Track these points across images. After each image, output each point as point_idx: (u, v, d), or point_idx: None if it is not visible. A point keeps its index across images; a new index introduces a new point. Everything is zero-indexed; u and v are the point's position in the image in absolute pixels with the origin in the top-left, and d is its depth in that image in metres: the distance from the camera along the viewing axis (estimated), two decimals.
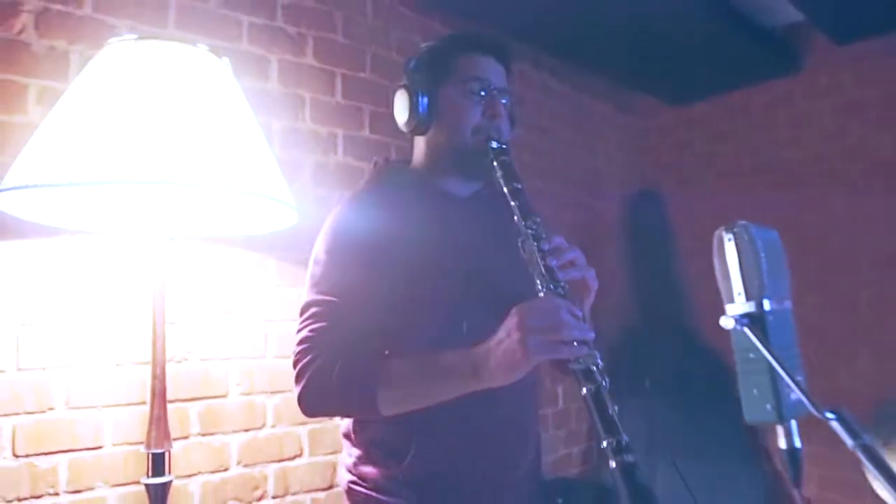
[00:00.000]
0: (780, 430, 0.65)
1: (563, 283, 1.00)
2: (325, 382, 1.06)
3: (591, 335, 0.93)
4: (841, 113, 3.00)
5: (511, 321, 0.93)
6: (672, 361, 2.88)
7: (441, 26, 2.53)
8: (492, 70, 1.24)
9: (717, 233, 0.71)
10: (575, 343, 0.91)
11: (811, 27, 2.89)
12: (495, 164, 1.16)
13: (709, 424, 2.69)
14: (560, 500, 2.42)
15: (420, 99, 1.21)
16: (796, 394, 0.62)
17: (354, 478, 1.21)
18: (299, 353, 1.11)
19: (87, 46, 1.61)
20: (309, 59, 2.10)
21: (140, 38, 1.35)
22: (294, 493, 1.90)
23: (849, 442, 0.57)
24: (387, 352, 1.12)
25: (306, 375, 1.08)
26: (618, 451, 0.80)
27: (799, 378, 0.63)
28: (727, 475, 2.73)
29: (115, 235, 1.63)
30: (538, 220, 1.07)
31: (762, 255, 0.69)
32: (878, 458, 0.55)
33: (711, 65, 3.06)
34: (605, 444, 0.81)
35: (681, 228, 3.24)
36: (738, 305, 0.69)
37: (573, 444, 2.98)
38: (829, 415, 0.59)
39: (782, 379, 0.63)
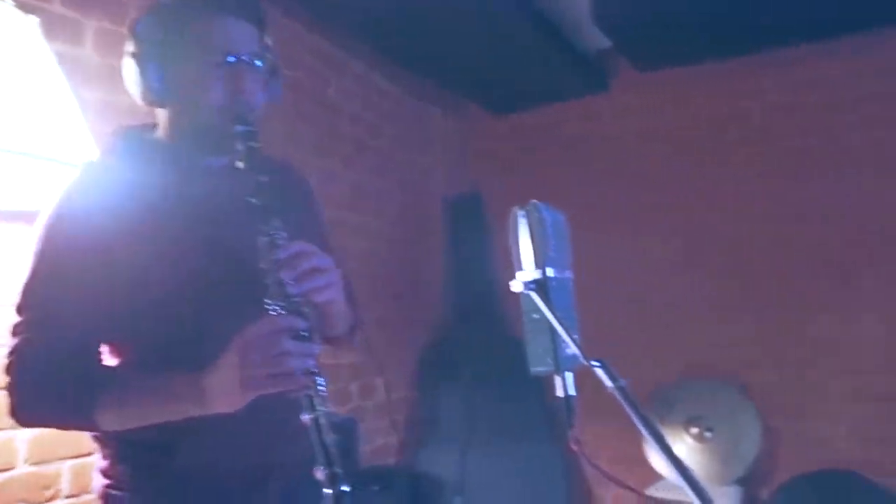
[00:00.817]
0: (557, 380, 0.76)
1: (294, 298, 0.94)
2: (38, 399, 0.99)
3: (312, 362, 0.91)
4: (642, 133, 3.38)
5: (231, 354, 0.90)
6: (489, 352, 3.06)
7: (270, 14, 2.51)
8: (238, 34, 1.07)
9: (512, 210, 0.80)
10: (296, 373, 0.89)
11: (617, 54, 3.23)
12: (241, 151, 1.03)
13: (521, 409, 2.91)
14: (376, 488, 2.48)
15: (152, 71, 1.04)
16: (571, 349, 0.72)
17: (110, 480, 1.11)
18: (9, 364, 1.00)
19: None
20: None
21: None
22: (91, 492, 1.78)
23: (609, 384, 0.68)
24: (121, 339, 1.05)
25: (16, 390, 0.99)
26: (332, 481, 0.84)
27: (575, 336, 0.73)
28: (535, 454, 2.96)
29: None
30: (278, 223, 0.98)
31: (549, 230, 0.79)
32: (631, 399, 0.66)
33: (531, 79, 3.31)
34: (321, 473, 0.85)
35: (500, 230, 3.46)
36: (526, 273, 0.79)
37: (391, 435, 3.06)
38: (595, 363, 0.70)
39: (560, 336, 0.73)
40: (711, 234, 3.17)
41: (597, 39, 3.14)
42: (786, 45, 2.95)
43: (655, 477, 2.77)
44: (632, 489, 0.79)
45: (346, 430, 2.43)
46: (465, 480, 2.89)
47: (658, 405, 2.92)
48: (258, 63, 1.09)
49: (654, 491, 2.81)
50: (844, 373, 2.86)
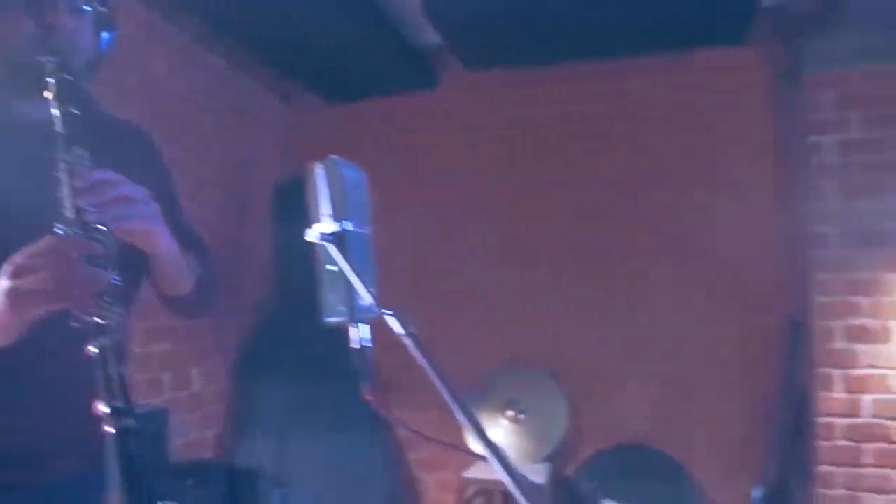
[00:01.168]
0: (352, 330, 0.77)
1: (93, 225, 0.84)
2: None
3: (103, 287, 0.80)
4: (467, 130, 3.51)
5: (2, 272, 0.80)
6: (311, 341, 3.01)
7: None
8: None
9: (310, 164, 0.81)
10: (79, 295, 0.78)
11: (448, 51, 3.33)
12: (49, 82, 0.92)
13: (342, 399, 2.89)
14: (190, 482, 2.35)
15: None
16: (366, 301, 0.74)
17: None
18: None
19: None
20: None
21: None
22: None
23: (401, 331, 0.70)
24: None
25: None
26: (115, 416, 0.75)
27: (372, 290, 0.75)
28: (357, 443, 2.96)
29: None
30: (81, 151, 0.88)
31: (348, 185, 0.80)
32: (423, 347, 0.68)
33: (363, 70, 3.32)
34: (104, 408, 0.75)
35: None
36: (324, 225, 0.79)
37: (207, 428, 2.92)
38: (387, 312, 0.71)
39: (355, 288, 0.74)
40: (528, 230, 3.37)
41: (430, 36, 3.22)
42: (605, 57, 3.21)
43: (473, 460, 2.89)
44: (438, 440, 0.81)
45: (158, 420, 2.30)
46: (285, 473, 2.83)
47: (477, 391, 3.05)
48: (83, 7, 1.01)
49: (472, 472, 2.93)
50: (641, 360, 3.17)
